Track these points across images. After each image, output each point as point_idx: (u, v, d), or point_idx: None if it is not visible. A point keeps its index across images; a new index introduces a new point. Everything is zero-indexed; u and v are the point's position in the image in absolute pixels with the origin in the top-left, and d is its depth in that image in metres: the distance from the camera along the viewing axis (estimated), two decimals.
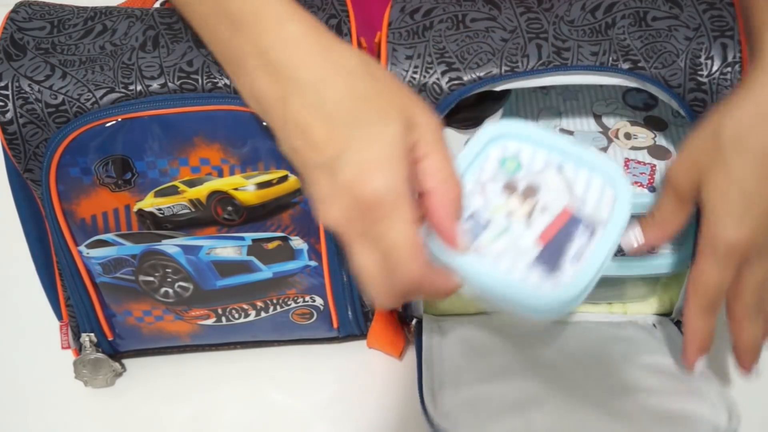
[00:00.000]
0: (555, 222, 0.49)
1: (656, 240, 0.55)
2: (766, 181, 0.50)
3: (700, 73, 0.55)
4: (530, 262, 0.48)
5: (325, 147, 0.46)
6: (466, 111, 0.61)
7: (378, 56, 0.57)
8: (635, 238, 0.54)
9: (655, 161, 0.60)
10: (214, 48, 0.52)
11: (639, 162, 0.60)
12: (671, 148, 0.61)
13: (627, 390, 0.59)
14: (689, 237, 0.63)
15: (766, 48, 0.51)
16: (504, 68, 0.56)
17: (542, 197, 0.50)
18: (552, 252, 0.48)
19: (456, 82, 0.56)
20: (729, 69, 0.55)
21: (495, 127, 0.54)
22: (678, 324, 0.65)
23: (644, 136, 0.62)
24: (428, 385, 0.58)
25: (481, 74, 0.56)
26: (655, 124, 0.63)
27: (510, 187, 0.52)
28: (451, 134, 0.62)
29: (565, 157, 0.50)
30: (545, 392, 0.58)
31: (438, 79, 0.56)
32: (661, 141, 0.62)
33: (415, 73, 0.56)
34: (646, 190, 0.59)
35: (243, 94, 0.51)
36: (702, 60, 0.55)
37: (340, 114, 0.46)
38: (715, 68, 0.55)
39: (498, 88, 0.57)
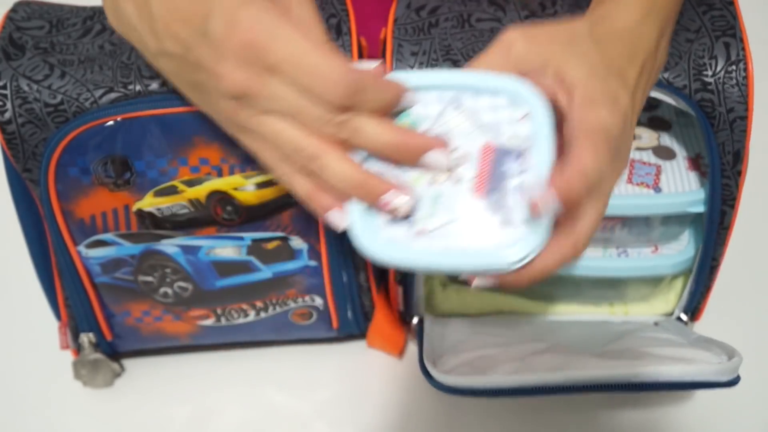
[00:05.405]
0: (482, 165, 0.43)
1: None
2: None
3: (704, 73, 0.55)
4: (482, 219, 0.42)
5: (192, 18, 0.44)
6: None
7: (383, 52, 0.58)
8: None
9: (659, 161, 0.60)
10: None
11: (644, 162, 0.60)
12: (676, 148, 0.61)
13: (627, 341, 0.59)
14: (692, 238, 0.63)
15: None
16: None
17: (455, 144, 0.44)
18: (497, 198, 0.42)
19: None
20: (733, 67, 0.55)
21: None
22: (679, 320, 0.65)
23: (648, 136, 0.62)
24: (429, 356, 0.58)
25: None
26: (659, 124, 0.62)
27: None
28: None
29: (459, 90, 0.44)
30: (545, 347, 0.58)
31: None
32: (665, 141, 0.61)
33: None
34: (651, 191, 0.58)
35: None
36: (705, 60, 0.55)
37: None
38: (719, 67, 0.55)
39: None
